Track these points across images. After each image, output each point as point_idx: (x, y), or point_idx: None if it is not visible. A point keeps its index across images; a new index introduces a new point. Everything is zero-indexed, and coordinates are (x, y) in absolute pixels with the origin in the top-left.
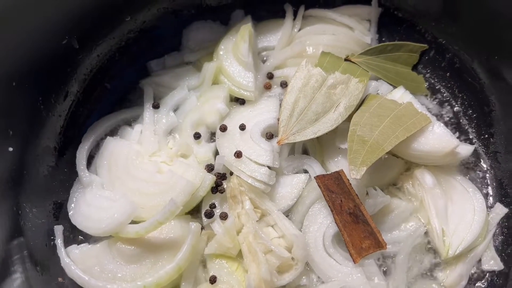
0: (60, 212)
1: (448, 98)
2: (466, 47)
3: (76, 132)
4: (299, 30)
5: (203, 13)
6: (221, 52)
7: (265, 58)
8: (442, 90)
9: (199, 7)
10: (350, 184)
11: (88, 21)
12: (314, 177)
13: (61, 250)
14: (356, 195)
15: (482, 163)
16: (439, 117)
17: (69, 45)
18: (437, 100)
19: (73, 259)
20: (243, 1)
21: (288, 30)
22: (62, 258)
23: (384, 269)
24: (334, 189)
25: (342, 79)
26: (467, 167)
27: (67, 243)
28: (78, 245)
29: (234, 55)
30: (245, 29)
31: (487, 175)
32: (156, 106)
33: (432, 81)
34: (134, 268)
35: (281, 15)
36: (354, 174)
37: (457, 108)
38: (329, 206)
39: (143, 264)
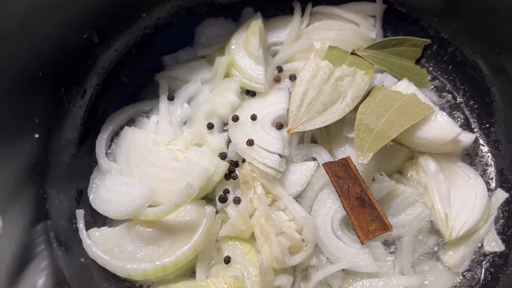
0: (81, 197)
1: (450, 90)
2: (468, 41)
3: (95, 123)
4: (307, 26)
5: (215, 10)
6: (232, 47)
7: (274, 53)
8: (445, 82)
9: (211, 4)
10: (357, 170)
11: (107, 17)
12: (322, 164)
13: (83, 233)
14: (363, 180)
15: (483, 151)
16: (442, 108)
17: (89, 40)
18: (440, 92)
19: (94, 241)
20: None
21: (296, 26)
22: (84, 240)
23: (391, 251)
24: (342, 175)
25: (349, 72)
26: (469, 154)
27: (88, 226)
28: (98, 228)
29: (245, 50)
30: (256, 24)
31: (489, 162)
32: (171, 98)
33: (435, 74)
34: (152, 249)
35: (290, 12)
36: (361, 159)
37: (459, 99)
38: (337, 191)
39: (161, 245)
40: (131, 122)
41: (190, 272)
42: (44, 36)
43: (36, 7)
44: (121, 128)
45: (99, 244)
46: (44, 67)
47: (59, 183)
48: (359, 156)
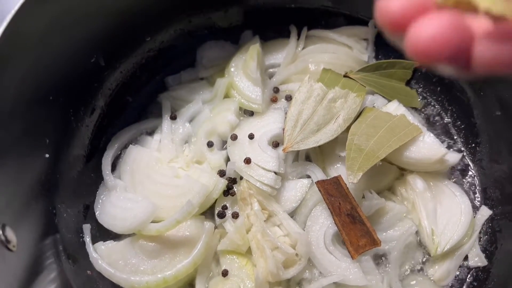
0: (88, 212)
1: (439, 111)
2: None
3: (101, 141)
4: (303, 49)
5: (215, 33)
6: (232, 69)
7: (272, 74)
8: (433, 103)
9: (211, 28)
10: (348, 188)
11: (114, 42)
12: (315, 182)
13: (89, 246)
14: (353, 198)
15: (469, 169)
16: (430, 127)
17: (96, 63)
18: (429, 112)
19: (100, 254)
20: (252, 22)
21: (292, 49)
22: (90, 253)
23: (380, 265)
24: (333, 193)
25: (341, 94)
26: (456, 173)
27: (94, 240)
28: (104, 241)
29: (243, 72)
30: (254, 49)
31: (474, 180)
32: (173, 118)
33: (424, 95)
34: (154, 262)
35: (287, 35)
36: (351, 178)
37: (447, 119)
38: (329, 208)
39: (162, 259)
40: (135, 140)
41: (190, 284)
42: (55, 61)
43: (44, 32)
44: (126, 146)
45: (105, 257)
46: (55, 90)
47: (67, 198)
48: (349, 175)
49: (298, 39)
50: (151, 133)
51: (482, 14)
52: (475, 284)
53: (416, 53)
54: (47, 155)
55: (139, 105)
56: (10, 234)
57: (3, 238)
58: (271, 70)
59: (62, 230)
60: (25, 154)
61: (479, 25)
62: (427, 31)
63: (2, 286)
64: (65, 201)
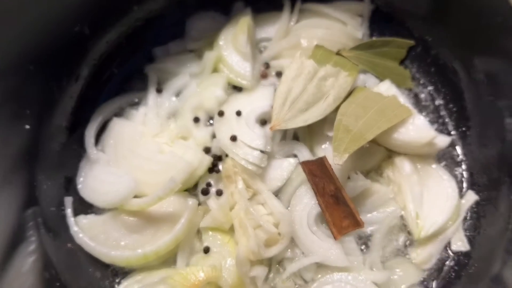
0: (70, 185)
1: (431, 92)
2: (449, 45)
3: (85, 113)
4: (296, 23)
5: (205, 4)
6: (221, 42)
7: (262, 49)
8: (427, 84)
9: None
10: (332, 169)
11: (99, 10)
12: (300, 163)
13: (70, 219)
14: (337, 179)
15: (458, 153)
16: (422, 109)
17: (80, 32)
18: (421, 93)
19: (81, 228)
20: None
21: (285, 23)
22: (71, 227)
23: (363, 247)
24: (318, 173)
25: (332, 72)
26: (445, 156)
27: (75, 213)
28: (86, 215)
29: (233, 46)
30: (245, 21)
31: (462, 164)
32: (159, 91)
33: (418, 76)
34: (136, 237)
35: (280, 7)
36: (337, 160)
37: (439, 101)
38: (313, 188)
39: (144, 234)
40: (120, 113)
41: (172, 260)
42: (35, 29)
43: (30, 2)
44: (110, 118)
45: (86, 231)
46: (36, 59)
47: (49, 170)
48: (335, 156)
49: (291, 12)
50: (136, 106)
51: None
52: (456, 268)
53: None
54: (27, 126)
55: (124, 77)
56: None
57: None
58: (262, 44)
59: (42, 202)
60: (4, 125)
61: None
62: None
63: None
64: (46, 172)
